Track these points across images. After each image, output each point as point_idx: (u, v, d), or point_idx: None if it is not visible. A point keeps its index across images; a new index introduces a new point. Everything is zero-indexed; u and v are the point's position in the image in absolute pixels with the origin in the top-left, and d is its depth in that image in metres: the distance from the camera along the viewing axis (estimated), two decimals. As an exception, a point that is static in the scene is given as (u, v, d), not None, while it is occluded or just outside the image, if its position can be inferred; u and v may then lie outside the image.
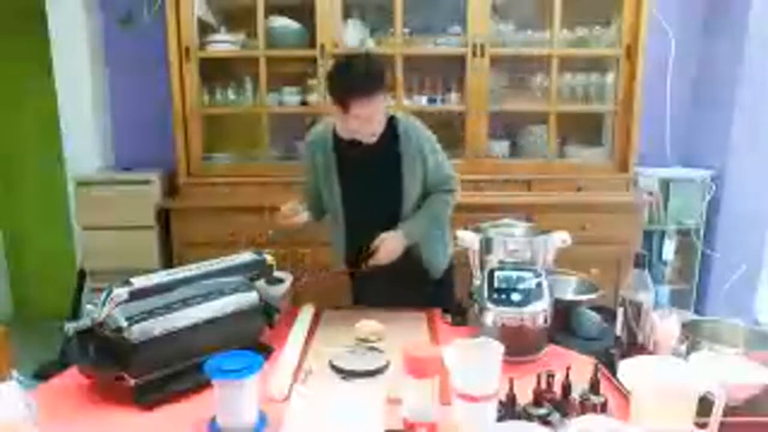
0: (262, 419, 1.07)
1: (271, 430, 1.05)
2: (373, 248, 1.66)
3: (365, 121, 1.59)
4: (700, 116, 2.98)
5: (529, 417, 1.00)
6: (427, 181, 1.76)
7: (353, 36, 2.73)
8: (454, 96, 2.75)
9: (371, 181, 1.74)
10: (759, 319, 2.78)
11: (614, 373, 1.15)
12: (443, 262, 1.86)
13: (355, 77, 1.55)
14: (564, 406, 1.05)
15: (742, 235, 2.79)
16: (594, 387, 1.07)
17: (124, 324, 1.13)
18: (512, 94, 2.83)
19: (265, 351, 1.36)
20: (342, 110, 1.58)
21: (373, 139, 1.66)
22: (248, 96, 2.83)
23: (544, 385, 1.05)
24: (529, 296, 1.34)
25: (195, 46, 2.64)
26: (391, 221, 1.73)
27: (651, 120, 2.91)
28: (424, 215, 1.75)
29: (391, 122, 1.70)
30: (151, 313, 1.18)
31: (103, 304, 1.14)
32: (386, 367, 1.29)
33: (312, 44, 2.64)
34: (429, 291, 1.83)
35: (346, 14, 2.74)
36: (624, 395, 1.12)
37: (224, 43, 2.74)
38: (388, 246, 1.66)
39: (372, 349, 1.40)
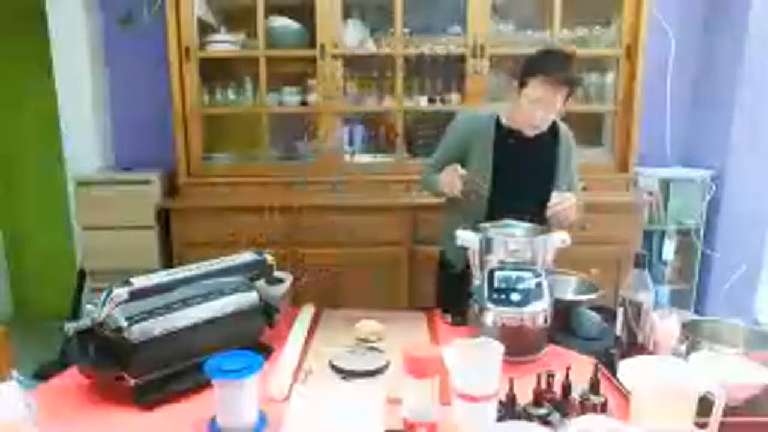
0: (262, 419, 1.07)
1: (271, 430, 1.05)
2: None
3: (545, 108, 1.65)
4: (700, 116, 2.98)
5: (529, 417, 1.00)
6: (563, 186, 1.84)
7: (353, 36, 2.74)
8: (454, 96, 2.75)
9: (523, 173, 1.79)
10: (759, 319, 2.78)
11: (614, 373, 1.15)
12: None
13: (549, 58, 1.66)
14: (564, 406, 1.05)
15: (742, 235, 2.79)
16: (594, 387, 1.06)
17: (124, 324, 1.13)
18: (512, 95, 2.82)
19: (265, 351, 1.36)
20: (522, 88, 1.67)
21: (537, 131, 1.74)
22: (248, 96, 2.83)
23: (544, 385, 1.05)
24: (529, 296, 1.34)
25: (195, 46, 2.64)
26: (535, 214, 1.70)
27: (651, 120, 2.91)
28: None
29: (553, 124, 1.80)
30: (151, 313, 1.18)
31: (103, 304, 1.14)
32: (386, 367, 1.29)
33: (312, 44, 2.64)
34: None
35: (346, 14, 2.74)
36: (624, 395, 1.12)
37: (224, 43, 2.74)
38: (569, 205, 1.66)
39: (372, 349, 1.40)
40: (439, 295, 1.99)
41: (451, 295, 1.74)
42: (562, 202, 1.65)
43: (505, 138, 1.80)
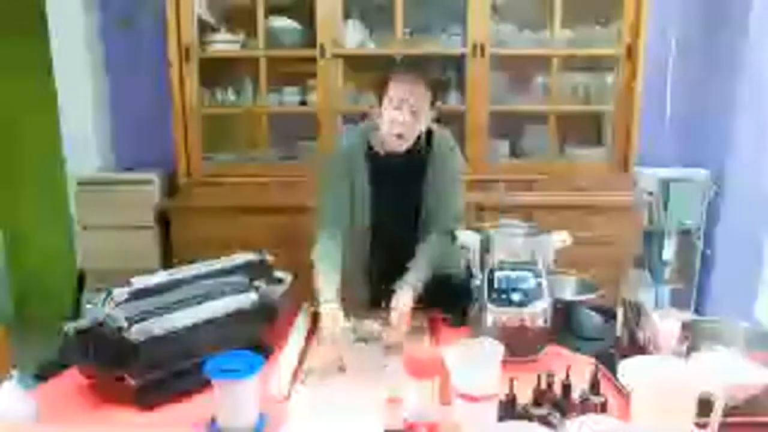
0: (262, 419, 1.07)
1: (271, 430, 1.05)
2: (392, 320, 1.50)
3: (409, 109, 1.57)
4: (700, 116, 2.98)
5: (529, 417, 1.00)
6: (437, 203, 1.73)
7: (353, 36, 2.73)
8: (454, 96, 2.75)
9: (395, 191, 1.73)
10: (759, 319, 2.78)
11: (614, 373, 1.15)
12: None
13: (404, 60, 1.58)
14: (564, 406, 1.05)
15: (742, 235, 2.79)
16: (594, 387, 1.07)
17: (124, 324, 1.13)
18: (512, 94, 2.83)
19: (265, 351, 1.36)
20: (384, 92, 1.59)
21: (405, 143, 1.63)
22: (248, 96, 2.83)
23: (544, 385, 1.05)
24: (529, 296, 1.34)
25: (195, 46, 2.64)
26: (410, 231, 1.74)
27: (651, 120, 2.91)
28: (427, 263, 1.65)
29: (428, 135, 1.73)
30: (151, 313, 1.18)
31: (103, 304, 1.14)
32: (386, 366, 1.29)
33: (312, 44, 2.64)
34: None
35: (346, 14, 2.74)
36: (624, 395, 1.12)
37: (224, 43, 2.74)
38: (405, 312, 1.52)
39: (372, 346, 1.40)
40: None
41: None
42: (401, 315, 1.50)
43: (377, 164, 1.72)
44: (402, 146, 1.64)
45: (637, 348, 1.26)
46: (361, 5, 2.79)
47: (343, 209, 1.72)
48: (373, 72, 2.88)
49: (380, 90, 1.62)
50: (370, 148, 1.74)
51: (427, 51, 2.71)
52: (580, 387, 1.08)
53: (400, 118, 1.58)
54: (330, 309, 1.49)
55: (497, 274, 1.37)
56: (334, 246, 1.66)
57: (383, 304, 1.57)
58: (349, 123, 2.85)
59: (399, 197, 1.74)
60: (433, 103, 1.64)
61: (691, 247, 2.87)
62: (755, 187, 2.74)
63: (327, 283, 1.56)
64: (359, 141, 1.75)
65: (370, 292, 1.80)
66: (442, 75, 1.65)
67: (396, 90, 1.58)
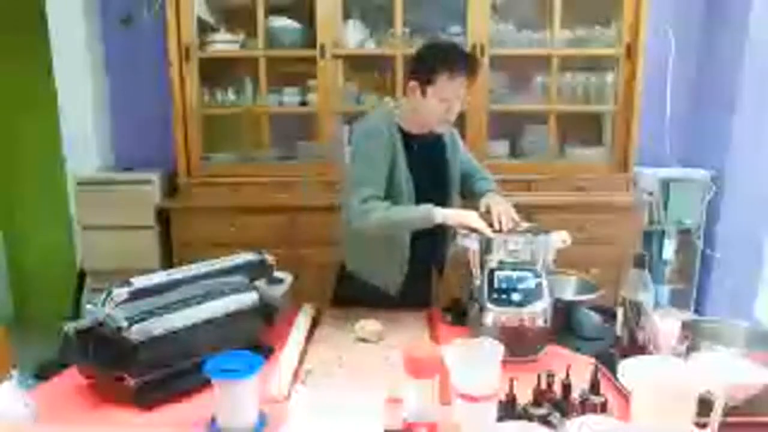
0: (262, 419, 1.07)
1: (271, 430, 1.05)
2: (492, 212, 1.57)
3: (457, 102, 1.62)
4: (700, 116, 2.98)
5: (529, 417, 1.00)
6: (469, 166, 1.90)
7: (353, 36, 2.73)
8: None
9: (430, 177, 1.75)
10: (759, 319, 2.78)
11: (614, 373, 1.15)
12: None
13: (450, 51, 1.62)
14: (564, 406, 1.05)
15: (742, 235, 2.79)
16: (594, 387, 1.06)
17: (124, 324, 1.13)
18: (512, 94, 2.83)
19: (265, 351, 1.36)
20: (429, 87, 1.59)
21: (443, 129, 1.72)
22: (248, 96, 2.83)
23: (544, 385, 1.05)
24: (529, 296, 1.34)
25: (195, 46, 2.64)
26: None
27: (651, 120, 2.90)
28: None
29: None
30: (151, 313, 1.18)
31: (103, 304, 1.14)
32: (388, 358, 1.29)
33: (312, 44, 2.64)
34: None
35: (346, 14, 2.74)
36: (624, 395, 1.12)
37: (224, 43, 2.74)
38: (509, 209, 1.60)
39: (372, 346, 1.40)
40: (335, 296, 1.89)
41: (345, 300, 1.78)
42: (498, 204, 1.59)
43: (410, 144, 1.71)
44: (443, 130, 1.72)
45: (637, 348, 1.26)
46: (361, 5, 2.79)
47: (383, 185, 1.65)
48: (373, 72, 2.89)
49: (422, 74, 1.60)
50: (399, 129, 1.72)
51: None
52: (580, 387, 1.08)
53: (451, 108, 1.63)
54: (452, 211, 1.60)
55: (497, 274, 1.37)
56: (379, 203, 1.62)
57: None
58: (349, 123, 2.86)
59: (431, 173, 1.76)
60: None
61: (691, 247, 2.87)
62: (755, 187, 2.75)
63: (411, 210, 1.62)
64: (389, 123, 1.71)
65: (406, 276, 1.77)
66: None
67: (446, 87, 1.58)
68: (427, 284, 1.86)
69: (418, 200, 1.68)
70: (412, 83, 1.63)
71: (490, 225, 1.49)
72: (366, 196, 1.59)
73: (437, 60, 1.59)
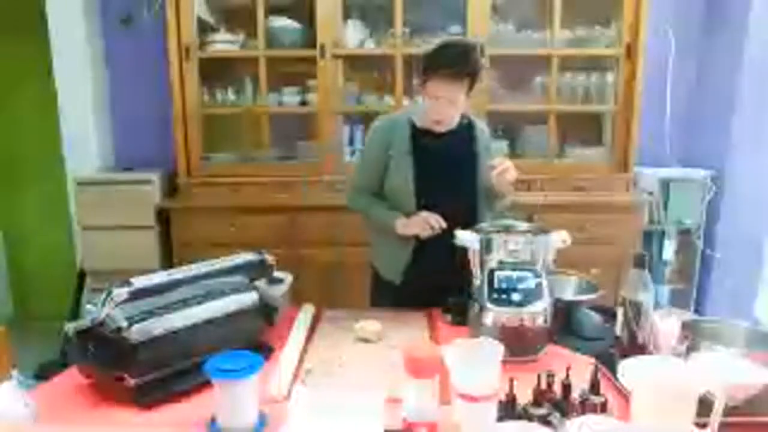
0: (262, 419, 1.07)
1: (271, 430, 1.05)
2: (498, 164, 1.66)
3: (448, 103, 1.64)
4: (700, 116, 2.98)
5: (529, 417, 1.00)
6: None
7: (353, 36, 2.74)
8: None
9: (444, 173, 1.76)
10: (759, 319, 2.78)
11: (614, 373, 1.15)
12: None
13: (445, 51, 1.63)
14: (564, 406, 1.05)
15: (742, 235, 2.79)
16: (594, 387, 1.06)
17: (124, 324, 1.13)
18: (512, 94, 2.83)
19: (265, 351, 1.36)
20: (424, 85, 1.64)
21: (446, 128, 1.73)
22: (248, 96, 2.83)
23: (544, 385, 1.05)
24: (529, 296, 1.34)
25: (195, 46, 2.64)
26: (467, 216, 1.72)
27: (651, 120, 2.91)
28: None
29: (469, 122, 1.82)
30: (151, 313, 1.18)
31: (103, 304, 1.14)
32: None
33: (312, 44, 2.64)
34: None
35: (346, 14, 2.74)
36: (624, 395, 1.12)
37: (224, 43, 2.74)
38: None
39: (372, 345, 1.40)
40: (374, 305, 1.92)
41: (383, 305, 1.79)
42: (503, 162, 1.67)
43: (420, 138, 1.75)
44: (441, 129, 1.74)
45: (637, 348, 1.26)
46: (361, 5, 2.79)
47: (373, 177, 1.80)
48: (373, 72, 2.89)
49: (420, 73, 1.66)
50: (414, 126, 1.77)
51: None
52: (580, 387, 1.08)
53: (438, 109, 1.66)
54: (406, 218, 1.71)
55: (497, 274, 1.37)
56: (364, 195, 1.83)
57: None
58: (349, 123, 2.86)
59: (445, 177, 1.77)
60: (470, 89, 1.67)
61: (691, 247, 2.87)
62: (755, 187, 2.75)
63: (383, 213, 1.77)
64: (403, 120, 1.78)
65: (415, 274, 1.80)
66: (478, 63, 1.65)
67: (437, 86, 1.62)
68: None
69: (424, 196, 1.73)
70: (416, 81, 1.67)
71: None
72: (356, 185, 1.86)
73: (430, 59, 1.63)
